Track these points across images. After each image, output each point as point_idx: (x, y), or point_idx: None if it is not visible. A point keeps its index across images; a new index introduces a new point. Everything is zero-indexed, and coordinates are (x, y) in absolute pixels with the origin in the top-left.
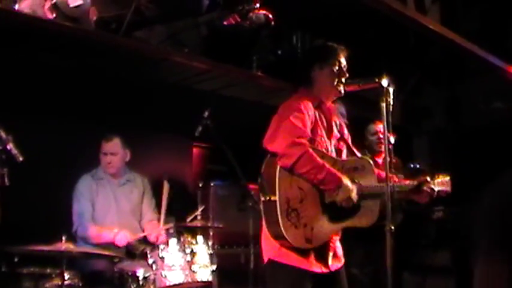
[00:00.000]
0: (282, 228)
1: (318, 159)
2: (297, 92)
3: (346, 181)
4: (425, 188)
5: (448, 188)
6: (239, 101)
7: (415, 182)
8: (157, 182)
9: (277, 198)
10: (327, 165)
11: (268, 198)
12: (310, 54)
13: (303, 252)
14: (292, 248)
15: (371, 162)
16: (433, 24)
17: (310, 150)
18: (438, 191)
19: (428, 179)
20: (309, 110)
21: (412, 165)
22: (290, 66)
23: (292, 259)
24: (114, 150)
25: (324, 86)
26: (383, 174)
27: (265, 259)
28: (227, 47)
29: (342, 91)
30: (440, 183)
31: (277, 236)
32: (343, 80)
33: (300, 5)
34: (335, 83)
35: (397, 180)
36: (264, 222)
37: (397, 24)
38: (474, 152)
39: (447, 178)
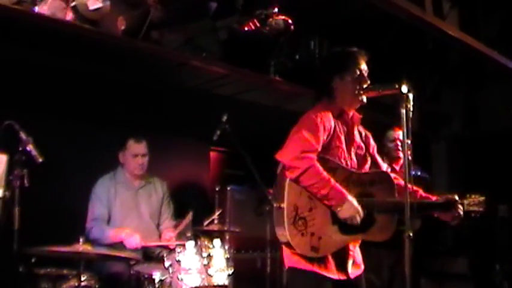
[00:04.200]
0: (288, 235)
1: (324, 174)
2: (319, 102)
3: (351, 199)
4: (452, 209)
5: (481, 208)
6: (257, 106)
7: (440, 200)
8: (174, 185)
9: (285, 205)
10: (333, 181)
11: (278, 205)
12: (329, 64)
13: (322, 259)
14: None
15: (391, 176)
16: (452, 29)
17: (317, 164)
18: (468, 211)
19: (457, 197)
20: (326, 122)
21: (413, 172)
22: (308, 71)
23: (311, 265)
24: (145, 151)
25: (345, 97)
26: (402, 183)
27: (287, 266)
28: (245, 52)
29: (365, 100)
30: (472, 203)
31: (285, 243)
32: (364, 86)
33: (318, 10)
34: (356, 92)
35: (423, 195)
36: (275, 228)
37: (415, 29)
38: (492, 158)
39: (482, 198)
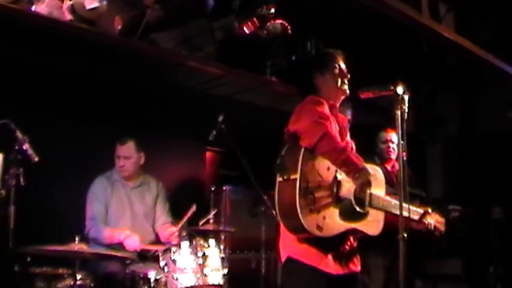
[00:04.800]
0: (298, 207)
1: (340, 142)
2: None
3: (366, 166)
4: (425, 219)
5: (443, 229)
6: (253, 106)
7: (420, 211)
8: (170, 185)
9: (298, 176)
10: (348, 149)
11: (286, 177)
12: (309, 63)
13: (322, 251)
14: (310, 243)
15: (382, 175)
16: (448, 32)
17: (331, 131)
18: (435, 226)
19: (430, 210)
20: (325, 107)
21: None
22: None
23: (311, 258)
24: (128, 153)
25: (329, 90)
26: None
27: (284, 257)
28: (242, 53)
29: (348, 91)
30: (439, 221)
31: (290, 219)
32: (345, 80)
33: (314, 11)
34: (339, 84)
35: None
36: (277, 206)
37: (411, 31)
38: (487, 160)
39: (443, 219)
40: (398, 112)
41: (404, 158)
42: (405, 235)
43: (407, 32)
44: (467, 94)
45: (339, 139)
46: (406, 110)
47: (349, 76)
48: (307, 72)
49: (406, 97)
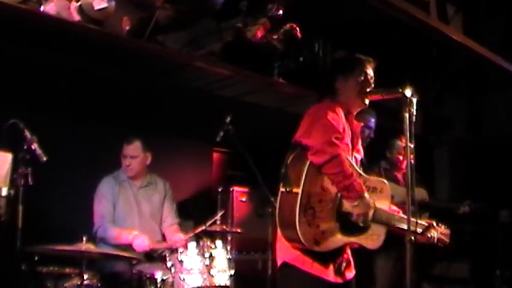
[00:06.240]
0: (297, 221)
1: (348, 166)
2: (321, 102)
3: (368, 197)
4: (429, 232)
5: (447, 240)
6: (260, 108)
7: (424, 223)
8: (177, 186)
9: (299, 190)
10: (355, 175)
11: (289, 189)
12: (336, 65)
13: (319, 259)
14: (306, 252)
15: (389, 188)
16: (456, 34)
17: (343, 154)
18: (438, 239)
19: (435, 223)
20: (341, 115)
21: None
22: (311, 73)
23: (308, 265)
24: (134, 153)
25: (347, 97)
26: (394, 208)
27: (279, 262)
28: (249, 54)
29: (367, 102)
30: (443, 233)
31: (288, 230)
32: (367, 90)
33: (322, 13)
34: (358, 94)
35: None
36: (277, 215)
37: (419, 33)
38: (494, 163)
39: (448, 231)
40: (407, 115)
41: (412, 161)
42: (412, 238)
43: (415, 34)
44: (475, 96)
45: (350, 154)
46: (414, 113)
47: (372, 86)
48: (330, 73)
49: (414, 100)
